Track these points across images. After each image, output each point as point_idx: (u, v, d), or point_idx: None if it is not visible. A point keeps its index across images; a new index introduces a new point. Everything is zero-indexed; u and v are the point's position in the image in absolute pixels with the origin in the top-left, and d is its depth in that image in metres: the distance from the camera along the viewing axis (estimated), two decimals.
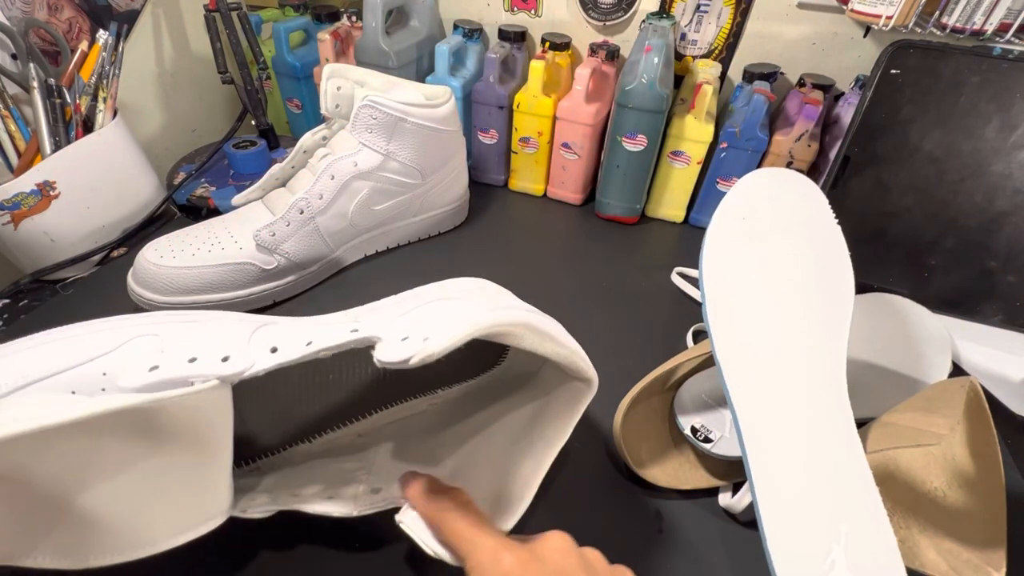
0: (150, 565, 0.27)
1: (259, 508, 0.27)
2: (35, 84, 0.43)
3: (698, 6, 0.57)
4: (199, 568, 0.29)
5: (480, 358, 0.35)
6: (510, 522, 0.27)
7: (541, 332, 0.24)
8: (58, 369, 0.23)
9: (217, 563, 0.29)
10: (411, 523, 0.25)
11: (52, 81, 0.44)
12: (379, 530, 0.31)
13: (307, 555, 0.30)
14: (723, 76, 0.60)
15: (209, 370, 0.23)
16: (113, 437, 0.21)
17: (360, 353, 0.32)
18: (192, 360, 0.23)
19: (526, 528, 0.32)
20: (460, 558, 0.23)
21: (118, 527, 0.22)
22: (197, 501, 0.24)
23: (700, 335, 0.46)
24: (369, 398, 0.33)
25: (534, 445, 0.28)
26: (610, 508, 0.34)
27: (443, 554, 0.24)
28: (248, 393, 0.30)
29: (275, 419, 0.31)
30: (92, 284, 0.47)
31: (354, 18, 0.63)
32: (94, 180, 0.47)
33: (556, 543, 0.23)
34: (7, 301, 0.45)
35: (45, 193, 0.43)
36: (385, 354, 0.21)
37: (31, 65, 0.43)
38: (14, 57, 0.45)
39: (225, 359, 0.23)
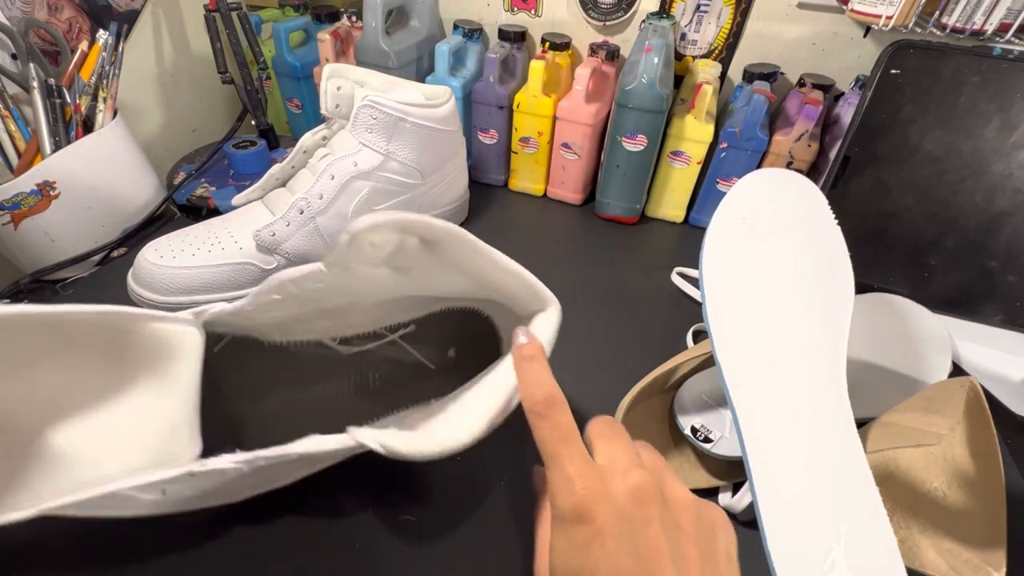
0: (149, 562, 0.27)
1: (227, 460, 0.26)
2: (35, 84, 0.43)
3: (698, 6, 0.57)
4: (199, 566, 0.29)
5: (476, 364, 0.35)
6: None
7: (478, 249, 0.24)
8: None
9: (218, 567, 0.30)
10: (359, 433, 0.24)
11: (52, 81, 0.44)
12: (379, 531, 0.31)
13: (307, 555, 0.30)
14: (723, 76, 0.60)
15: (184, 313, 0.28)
16: (85, 358, 0.23)
17: (353, 362, 0.33)
18: None
19: (521, 521, 0.31)
20: (546, 468, 0.23)
21: (77, 462, 0.23)
22: (159, 440, 0.25)
23: (700, 335, 0.46)
24: (363, 411, 0.33)
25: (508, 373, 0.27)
26: None
27: (397, 448, 0.23)
28: (240, 412, 0.30)
29: (265, 437, 0.31)
30: (92, 284, 0.47)
31: (354, 18, 0.63)
32: (94, 180, 0.47)
33: (634, 482, 0.21)
34: (7, 301, 0.45)
35: (45, 193, 0.43)
36: None
37: (31, 65, 0.43)
38: (14, 57, 0.45)
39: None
